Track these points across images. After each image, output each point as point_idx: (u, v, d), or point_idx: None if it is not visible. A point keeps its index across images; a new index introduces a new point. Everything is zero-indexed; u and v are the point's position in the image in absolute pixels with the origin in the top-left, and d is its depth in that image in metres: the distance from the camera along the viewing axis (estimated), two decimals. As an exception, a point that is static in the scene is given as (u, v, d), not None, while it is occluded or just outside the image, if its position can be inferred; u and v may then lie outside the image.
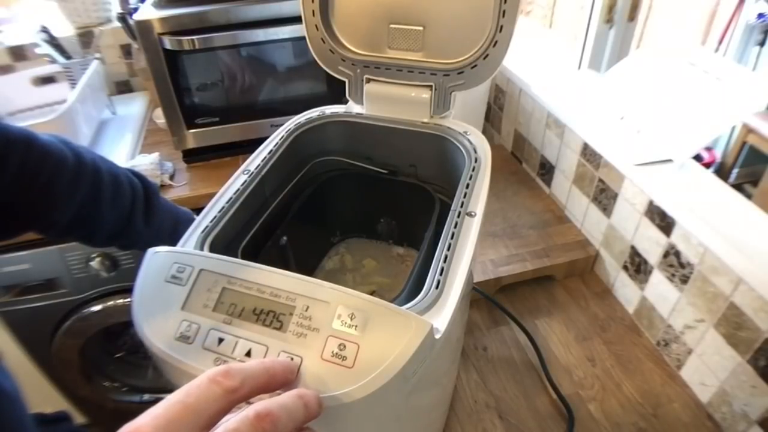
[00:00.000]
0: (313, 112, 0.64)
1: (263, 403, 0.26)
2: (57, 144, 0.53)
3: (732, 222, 0.63)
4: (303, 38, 0.61)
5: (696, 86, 0.75)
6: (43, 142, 0.51)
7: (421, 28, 0.57)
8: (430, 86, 0.59)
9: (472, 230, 0.46)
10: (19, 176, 0.49)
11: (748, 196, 0.81)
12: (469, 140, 0.57)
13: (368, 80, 0.62)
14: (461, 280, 0.41)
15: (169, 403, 0.25)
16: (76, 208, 0.53)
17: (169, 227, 0.63)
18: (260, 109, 1.09)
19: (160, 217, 0.62)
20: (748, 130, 1.91)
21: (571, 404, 0.67)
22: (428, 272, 0.42)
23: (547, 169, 1.00)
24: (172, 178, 1.06)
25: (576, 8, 1.27)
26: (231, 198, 0.51)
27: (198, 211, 0.50)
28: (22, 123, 0.53)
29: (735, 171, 2.09)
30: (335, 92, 0.82)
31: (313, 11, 0.59)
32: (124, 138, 1.19)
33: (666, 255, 0.71)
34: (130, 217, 0.58)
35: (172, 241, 0.61)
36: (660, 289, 0.73)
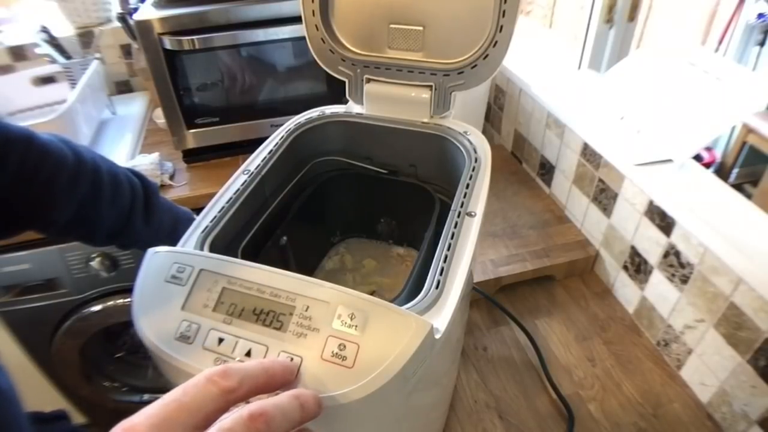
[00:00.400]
0: (313, 112, 0.64)
1: (258, 403, 0.26)
2: (57, 143, 0.53)
3: (732, 222, 0.63)
4: (303, 38, 0.61)
5: (696, 86, 0.75)
6: (42, 141, 0.51)
7: (421, 28, 0.57)
8: (430, 86, 0.59)
9: (472, 230, 0.46)
10: (18, 174, 0.49)
11: (748, 196, 0.81)
12: (469, 140, 0.57)
13: (368, 80, 0.62)
14: (461, 280, 0.41)
15: (164, 401, 0.25)
16: (76, 207, 0.53)
17: (168, 226, 0.63)
18: (260, 109, 1.09)
19: (159, 217, 0.62)
20: (748, 130, 1.91)
21: (571, 404, 0.67)
22: (428, 272, 0.42)
23: (547, 169, 1.00)
24: (172, 178, 1.06)
25: (576, 8, 1.27)
26: (231, 198, 0.51)
27: (198, 211, 0.50)
28: (22, 123, 0.53)
29: (735, 171, 2.08)
30: (335, 92, 0.83)
31: (313, 11, 0.59)
32: (124, 138, 1.19)
33: (666, 255, 0.71)
34: (129, 216, 0.58)
35: (172, 240, 0.61)
36: (660, 289, 0.73)
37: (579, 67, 1.08)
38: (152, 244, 0.61)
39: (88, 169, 0.54)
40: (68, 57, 1.23)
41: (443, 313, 0.38)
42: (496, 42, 0.53)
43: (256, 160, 0.56)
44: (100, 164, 0.56)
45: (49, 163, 0.51)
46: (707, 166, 2.03)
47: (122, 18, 1.07)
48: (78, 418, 1.32)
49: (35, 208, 0.52)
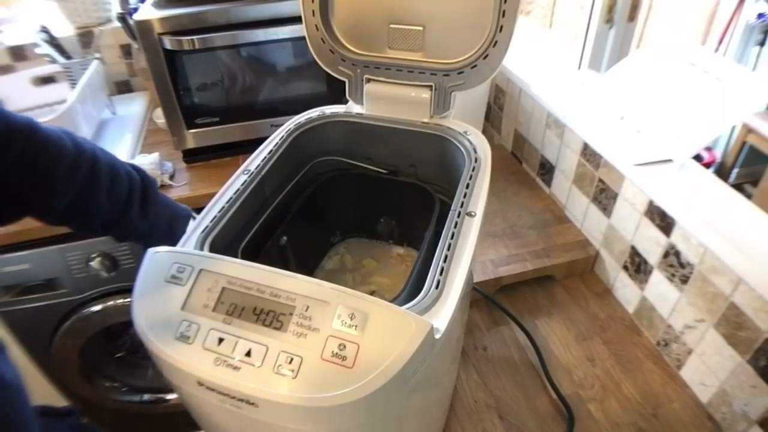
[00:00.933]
0: (313, 112, 0.64)
1: None
2: (58, 133, 0.55)
3: (732, 222, 0.63)
4: (303, 38, 0.61)
5: (696, 86, 0.75)
6: (44, 131, 0.53)
7: (421, 28, 0.57)
8: (430, 86, 0.59)
9: (472, 230, 0.46)
10: (20, 161, 0.51)
11: (748, 196, 0.81)
12: (469, 140, 0.57)
13: (368, 80, 0.62)
14: (461, 280, 0.41)
15: None
16: (74, 194, 0.55)
17: (165, 221, 0.64)
18: (260, 109, 1.09)
19: (156, 210, 0.63)
20: (748, 130, 1.91)
21: (571, 404, 0.67)
22: (428, 272, 0.42)
23: (547, 169, 1.00)
24: (172, 178, 1.06)
25: (576, 8, 1.27)
26: (231, 198, 0.51)
27: (198, 211, 0.50)
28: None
29: (735, 171, 2.08)
30: (335, 92, 0.83)
31: (313, 11, 0.59)
32: (124, 138, 1.19)
33: (666, 255, 0.71)
34: (126, 206, 0.59)
35: (169, 235, 0.62)
36: (660, 289, 0.73)
37: (579, 67, 1.08)
38: (148, 237, 0.61)
39: (86, 159, 0.56)
40: (68, 57, 1.23)
41: (443, 313, 0.38)
42: (496, 42, 0.54)
43: (256, 160, 0.56)
44: (100, 155, 0.57)
45: (49, 151, 0.53)
46: (707, 166, 2.03)
47: (122, 18, 1.07)
48: (78, 418, 1.32)
49: (34, 194, 0.53)
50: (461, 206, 0.48)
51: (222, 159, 1.12)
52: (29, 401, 0.44)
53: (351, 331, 0.34)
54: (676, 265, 0.69)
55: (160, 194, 0.64)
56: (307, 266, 0.72)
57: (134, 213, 0.60)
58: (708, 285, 0.64)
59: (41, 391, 1.24)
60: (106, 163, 0.58)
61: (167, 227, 0.63)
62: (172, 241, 0.55)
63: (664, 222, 0.70)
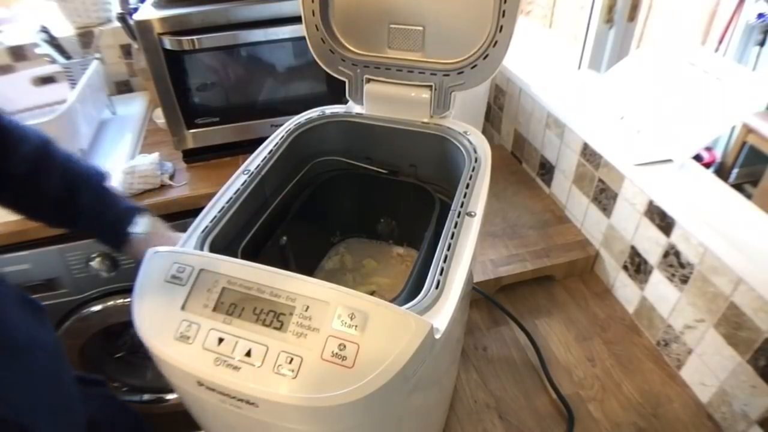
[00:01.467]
0: (313, 112, 0.64)
1: None
2: (17, 122, 0.61)
3: (732, 222, 0.63)
4: (303, 38, 0.61)
5: (696, 86, 0.75)
6: (6, 119, 0.59)
7: (420, 28, 0.57)
8: (430, 86, 0.59)
9: (472, 230, 0.46)
10: None
11: (748, 196, 0.81)
12: (469, 140, 0.57)
13: (368, 80, 0.62)
14: (461, 280, 0.41)
15: None
16: (30, 166, 0.60)
17: (119, 207, 0.67)
18: (260, 109, 1.09)
19: (109, 195, 0.66)
20: (748, 130, 1.91)
21: (571, 404, 0.67)
22: (428, 272, 0.42)
23: (547, 169, 1.00)
24: (172, 178, 1.06)
25: (576, 8, 1.28)
26: (231, 198, 0.51)
27: (198, 211, 0.50)
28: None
29: (735, 171, 2.08)
30: (335, 92, 0.83)
31: (313, 11, 0.59)
32: (124, 138, 1.19)
33: (666, 255, 0.71)
34: (77, 186, 0.63)
35: (121, 224, 0.65)
36: (660, 289, 0.73)
37: (579, 67, 1.08)
38: (98, 220, 0.65)
39: (44, 142, 0.62)
40: (68, 57, 1.23)
41: (443, 313, 0.38)
42: (496, 42, 0.54)
43: (256, 160, 0.56)
44: (56, 144, 0.64)
45: (11, 133, 0.59)
46: (707, 166, 2.03)
47: (122, 18, 1.07)
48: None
49: None
50: (461, 206, 0.48)
51: (222, 159, 1.12)
52: (68, 365, 0.45)
53: (351, 331, 0.34)
54: (676, 265, 0.69)
55: (114, 187, 0.69)
56: (307, 266, 0.72)
57: (86, 195, 0.63)
58: (708, 285, 0.64)
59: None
60: (62, 151, 0.64)
61: (119, 214, 0.65)
62: (124, 232, 0.61)
63: (664, 222, 0.70)
